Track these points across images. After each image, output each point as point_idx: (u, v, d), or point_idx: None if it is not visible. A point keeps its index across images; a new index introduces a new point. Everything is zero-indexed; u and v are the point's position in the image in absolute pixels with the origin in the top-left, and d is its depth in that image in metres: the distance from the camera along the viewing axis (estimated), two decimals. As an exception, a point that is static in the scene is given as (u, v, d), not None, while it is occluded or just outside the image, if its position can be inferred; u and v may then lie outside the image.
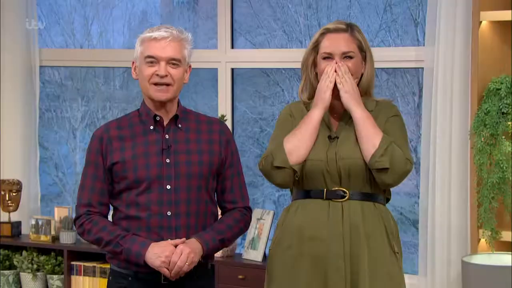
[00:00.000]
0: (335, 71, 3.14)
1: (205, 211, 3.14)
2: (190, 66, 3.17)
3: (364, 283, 3.06)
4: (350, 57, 3.16)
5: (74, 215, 3.24)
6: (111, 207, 3.19)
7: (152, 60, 3.08)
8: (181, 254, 3.01)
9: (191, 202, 3.10)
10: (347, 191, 3.12)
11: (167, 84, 3.09)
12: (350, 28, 3.18)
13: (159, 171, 3.08)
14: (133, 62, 3.17)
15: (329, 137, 3.16)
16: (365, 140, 3.09)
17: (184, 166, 3.09)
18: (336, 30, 3.17)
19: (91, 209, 3.12)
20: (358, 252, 3.08)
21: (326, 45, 3.16)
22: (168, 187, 3.08)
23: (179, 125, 3.14)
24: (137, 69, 3.15)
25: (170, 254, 3.01)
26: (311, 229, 3.12)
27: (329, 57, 3.16)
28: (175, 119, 3.14)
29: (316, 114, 3.14)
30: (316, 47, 3.20)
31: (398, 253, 3.15)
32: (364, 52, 3.19)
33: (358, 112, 3.11)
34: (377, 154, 3.05)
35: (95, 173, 3.12)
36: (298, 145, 3.11)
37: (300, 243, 3.13)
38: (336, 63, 3.15)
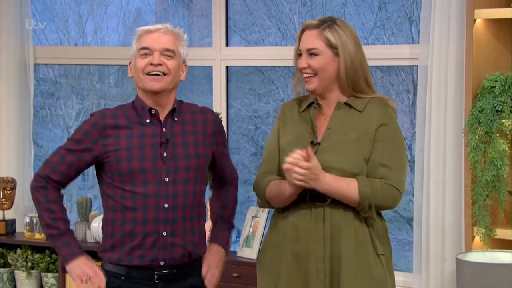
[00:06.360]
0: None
1: (199, 203, 3.15)
2: (186, 65, 3.15)
3: (346, 285, 3.03)
4: (314, 54, 3.10)
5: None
6: (100, 195, 3.17)
7: (147, 52, 3.06)
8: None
9: (188, 195, 3.10)
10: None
11: (163, 74, 3.06)
12: (323, 24, 3.10)
13: (154, 164, 3.06)
14: (130, 62, 3.15)
15: (312, 142, 3.10)
16: (346, 200, 3.04)
17: (183, 159, 3.09)
18: (308, 27, 3.14)
19: (52, 176, 3.10)
20: (340, 254, 3.05)
21: (300, 42, 3.15)
22: (167, 179, 3.07)
23: (175, 118, 3.14)
24: (132, 66, 3.13)
25: (91, 273, 3.09)
26: (294, 231, 3.09)
27: (300, 53, 3.14)
28: (171, 112, 3.13)
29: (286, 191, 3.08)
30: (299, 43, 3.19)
31: (383, 255, 3.10)
32: (335, 49, 3.09)
33: (320, 188, 3.01)
34: (362, 211, 3.04)
35: (74, 148, 3.09)
36: (276, 201, 3.12)
37: (284, 243, 3.11)
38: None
